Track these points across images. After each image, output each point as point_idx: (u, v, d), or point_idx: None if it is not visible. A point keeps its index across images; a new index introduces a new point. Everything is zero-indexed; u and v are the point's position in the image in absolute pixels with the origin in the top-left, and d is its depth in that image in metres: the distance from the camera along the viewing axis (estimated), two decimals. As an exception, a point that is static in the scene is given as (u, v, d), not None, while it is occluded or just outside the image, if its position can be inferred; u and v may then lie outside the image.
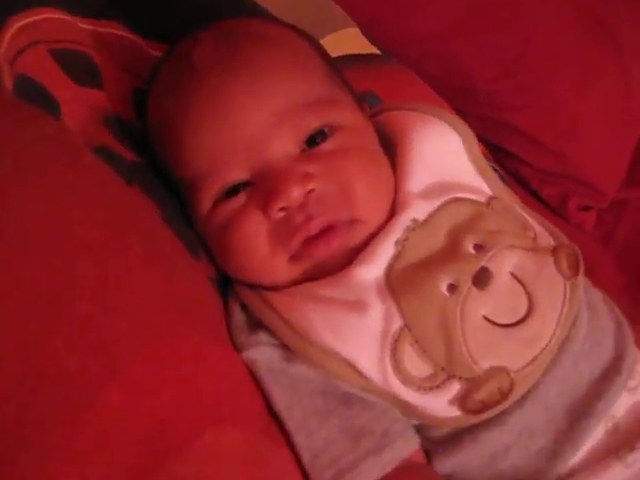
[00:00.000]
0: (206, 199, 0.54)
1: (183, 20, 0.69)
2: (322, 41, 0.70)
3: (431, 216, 0.54)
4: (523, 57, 1.09)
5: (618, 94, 1.17)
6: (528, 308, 0.51)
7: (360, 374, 0.50)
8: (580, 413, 0.52)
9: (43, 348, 0.40)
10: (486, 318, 0.50)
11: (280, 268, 0.53)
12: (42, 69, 0.54)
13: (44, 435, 0.37)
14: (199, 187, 0.54)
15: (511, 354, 0.50)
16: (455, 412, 0.50)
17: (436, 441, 0.52)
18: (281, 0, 0.80)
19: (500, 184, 0.61)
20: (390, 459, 0.48)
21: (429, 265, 0.51)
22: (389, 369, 0.49)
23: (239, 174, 0.53)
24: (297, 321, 0.51)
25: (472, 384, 0.49)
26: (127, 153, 0.55)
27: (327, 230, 0.52)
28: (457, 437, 0.51)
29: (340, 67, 0.62)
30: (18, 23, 0.55)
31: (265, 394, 0.50)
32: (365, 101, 0.62)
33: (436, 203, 0.54)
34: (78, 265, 0.44)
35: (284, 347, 0.51)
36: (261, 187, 0.52)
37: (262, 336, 0.52)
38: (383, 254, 0.52)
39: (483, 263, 0.51)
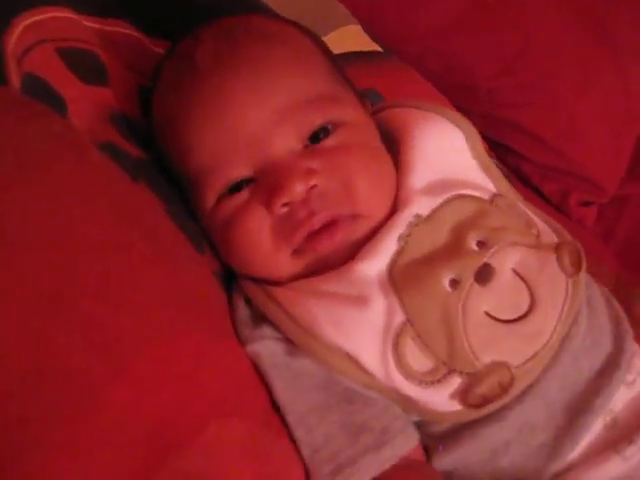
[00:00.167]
0: (209, 195, 0.54)
1: (187, 18, 0.68)
2: (324, 38, 0.70)
3: (434, 212, 0.54)
4: (524, 55, 1.10)
5: (617, 91, 1.18)
6: (530, 304, 0.51)
7: (362, 369, 0.50)
8: (579, 409, 0.52)
9: (46, 346, 0.40)
10: (488, 314, 0.50)
11: (283, 263, 0.53)
12: (49, 68, 0.54)
13: (47, 433, 0.37)
14: (202, 184, 0.54)
15: (512, 349, 0.50)
16: (456, 406, 0.50)
17: (436, 437, 0.53)
18: None
19: (504, 181, 0.61)
20: (389, 456, 0.48)
21: (432, 261, 0.52)
22: (391, 363, 0.49)
23: (242, 171, 0.53)
24: (301, 316, 0.51)
25: (473, 378, 0.49)
26: (133, 150, 0.56)
27: (330, 225, 0.52)
28: (457, 433, 0.52)
29: (342, 64, 0.62)
30: (25, 22, 0.55)
31: (268, 388, 0.50)
32: (367, 98, 0.62)
33: (439, 199, 0.54)
34: (81, 263, 0.44)
35: (288, 341, 0.52)
36: (264, 183, 0.52)
37: (266, 330, 0.52)
38: (386, 249, 0.52)
39: (485, 259, 0.51)
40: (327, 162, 0.52)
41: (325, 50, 0.61)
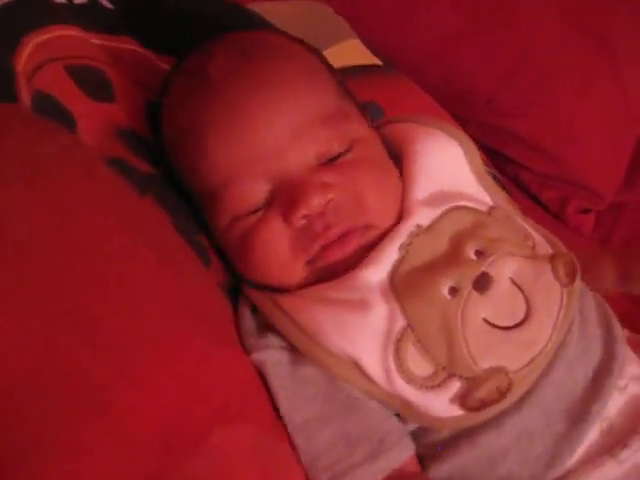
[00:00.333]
0: (225, 212, 0.55)
1: (192, 34, 0.70)
2: (325, 52, 0.71)
3: (434, 222, 0.55)
4: (522, 64, 1.11)
5: (614, 99, 1.18)
6: (526, 312, 0.52)
7: (365, 376, 0.51)
8: (577, 416, 0.52)
9: (46, 346, 0.41)
10: (486, 320, 0.52)
11: (298, 272, 0.54)
12: (58, 85, 0.55)
13: (48, 433, 0.38)
14: (217, 200, 0.55)
15: (509, 355, 0.51)
16: (455, 412, 0.51)
17: (434, 445, 0.53)
18: (285, 12, 0.82)
19: (501, 193, 0.63)
20: (383, 467, 0.49)
21: (432, 269, 0.53)
22: (393, 368, 0.50)
23: (258, 185, 0.54)
24: (306, 323, 0.52)
25: (472, 383, 0.50)
26: (140, 164, 0.57)
27: (343, 236, 0.53)
28: (455, 441, 0.52)
29: (343, 78, 0.63)
30: (35, 40, 0.56)
31: (271, 396, 0.51)
32: (367, 111, 0.64)
33: (439, 210, 0.55)
34: (92, 272, 0.45)
35: (292, 350, 0.53)
36: (281, 197, 0.53)
37: (271, 339, 0.53)
38: (388, 258, 0.53)
39: (484, 268, 0.52)
40: (341, 176, 0.54)
41: (329, 66, 0.62)
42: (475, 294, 0.52)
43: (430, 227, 0.55)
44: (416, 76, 0.97)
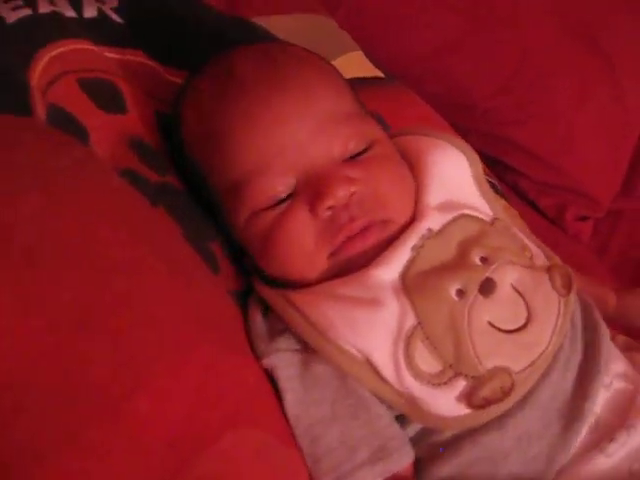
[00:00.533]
0: (247, 206, 0.57)
1: (199, 48, 0.71)
2: (330, 64, 0.73)
3: (444, 227, 0.57)
4: (520, 73, 1.12)
5: (612, 107, 1.19)
6: (527, 317, 0.54)
7: (375, 373, 0.52)
8: (570, 416, 0.54)
9: (74, 358, 0.42)
10: (490, 323, 0.53)
11: (320, 264, 0.55)
12: (71, 99, 0.56)
13: (66, 438, 0.39)
14: (240, 194, 0.56)
15: (513, 356, 0.53)
16: (460, 411, 0.52)
17: (438, 446, 0.54)
18: (289, 26, 0.83)
19: (501, 203, 0.65)
20: (382, 471, 0.50)
21: (441, 271, 0.54)
22: (402, 363, 0.52)
23: (286, 177, 0.55)
24: (317, 319, 0.53)
25: (477, 382, 0.52)
26: (151, 175, 0.58)
27: (364, 229, 0.55)
28: (458, 442, 0.53)
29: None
30: (49, 54, 0.58)
31: (280, 400, 0.52)
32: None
33: (449, 216, 0.57)
34: (105, 280, 0.46)
35: (303, 352, 0.54)
36: (308, 189, 0.55)
37: (281, 343, 0.54)
38: (400, 258, 0.54)
39: (488, 274, 0.54)
40: (363, 172, 0.56)
41: (342, 75, 0.64)
42: (480, 297, 0.53)
43: (440, 232, 0.56)
44: (417, 86, 0.99)
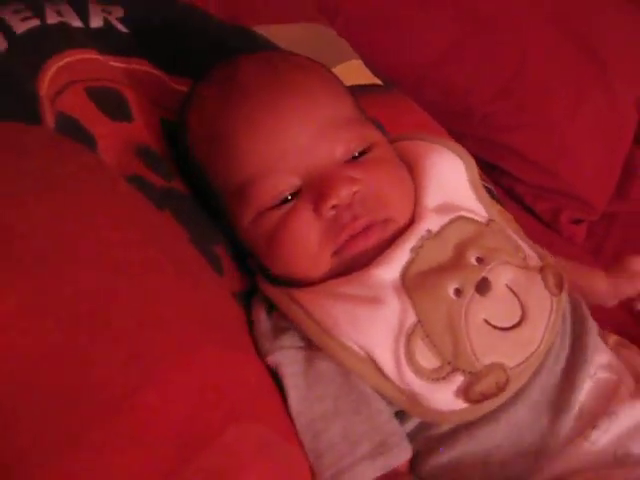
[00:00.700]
0: (252, 207, 0.58)
1: (202, 56, 0.72)
2: (329, 72, 0.74)
3: (442, 229, 0.58)
4: (517, 79, 1.13)
5: (605, 112, 1.20)
6: (521, 316, 0.56)
7: (377, 369, 0.53)
8: (558, 407, 0.56)
9: (84, 357, 0.43)
10: (486, 321, 0.55)
11: (324, 262, 0.57)
12: (79, 107, 0.58)
13: (82, 437, 0.41)
14: (245, 196, 0.58)
15: (508, 353, 0.54)
16: (457, 405, 0.53)
17: (435, 439, 0.56)
18: (289, 34, 0.84)
19: (496, 206, 0.66)
20: (382, 466, 0.52)
21: (439, 271, 0.56)
22: (403, 360, 0.53)
23: (290, 178, 0.57)
24: (321, 317, 0.54)
25: (474, 377, 0.53)
26: (157, 180, 0.59)
27: (366, 229, 0.56)
28: (455, 434, 0.55)
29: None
30: (57, 64, 0.59)
31: (284, 396, 0.53)
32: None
33: (446, 218, 0.59)
34: (114, 282, 0.47)
35: (307, 349, 0.55)
36: (312, 189, 0.56)
37: (286, 340, 0.55)
38: (400, 258, 0.56)
39: (484, 274, 0.56)
40: (364, 173, 0.57)
41: (342, 82, 0.66)
42: (477, 296, 0.55)
43: (439, 233, 0.58)
44: (415, 93, 1.00)
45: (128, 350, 0.45)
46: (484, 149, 1.11)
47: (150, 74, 0.70)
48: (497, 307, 0.55)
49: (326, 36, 0.93)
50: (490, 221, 0.61)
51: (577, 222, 1.16)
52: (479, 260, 0.57)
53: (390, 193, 0.58)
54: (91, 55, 0.63)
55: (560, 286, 0.59)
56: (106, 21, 0.69)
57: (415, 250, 0.56)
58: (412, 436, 0.55)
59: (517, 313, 0.56)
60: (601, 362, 0.59)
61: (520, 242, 0.62)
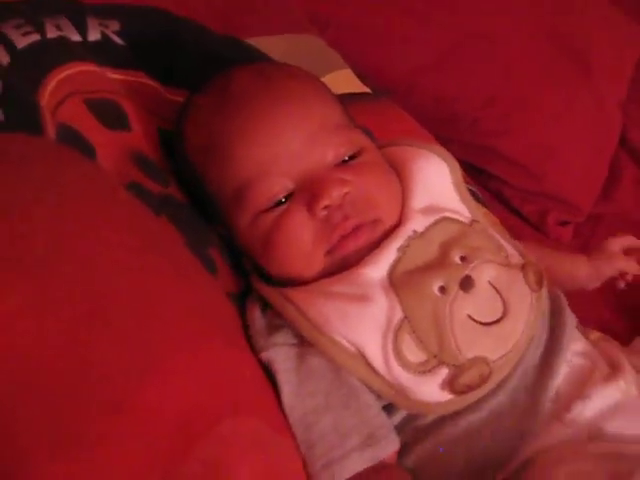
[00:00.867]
0: (248, 209, 0.60)
1: (196, 67, 0.75)
2: (320, 81, 0.76)
3: (427, 229, 0.60)
4: (502, 88, 1.15)
5: (591, 116, 1.22)
6: (503, 311, 0.58)
7: (367, 364, 0.56)
8: (537, 392, 0.58)
9: (88, 353, 0.45)
10: (470, 317, 0.57)
11: (317, 261, 0.59)
12: (79, 118, 0.60)
13: (90, 429, 0.42)
14: (241, 199, 0.60)
15: (490, 347, 0.57)
16: (443, 397, 0.56)
17: (422, 429, 0.58)
18: (281, 45, 0.86)
19: (480, 209, 0.68)
20: (371, 457, 0.54)
21: (425, 269, 0.58)
22: (391, 354, 0.55)
23: (284, 182, 0.59)
24: (313, 314, 0.57)
25: (458, 370, 0.56)
26: (154, 187, 0.61)
27: (356, 229, 0.59)
28: (440, 424, 0.58)
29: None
30: (57, 76, 0.61)
31: (277, 390, 0.55)
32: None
33: (432, 219, 0.61)
34: (116, 283, 0.50)
35: (299, 345, 0.57)
36: (305, 191, 0.59)
37: (279, 338, 0.58)
38: (387, 257, 0.58)
39: (467, 272, 0.58)
40: (355, 176, 0.60)
41: (331, 91, 0.68)
42: (461, 293, 0.57)
43: (424, 233, 0.60)
44: (404, 101, 1.02)
45: (127, 348, 0.47)
46: (472, 154, 1.13)
47: (146, 85, 0.72)
48: (480, 303, 0.58)
49: (316, 46, 0.94)
50: (473, 221, 0.64)
51: (564, 224, 1.17)
52: (463, 259, 0.59)
53: (379, 195, 0.60)
54: (90, 67, 0.65)
55: (540, 283, 0.61)
56: (103, 35, 0.71)
57: (402, 249, 0.59)
58: (399, 428, 0.57)
59: (499, 309, 0.58)
60: (577, 349, 0.61)
61: (502, 241, 0.64)
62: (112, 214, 0.55)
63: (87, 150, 0.58)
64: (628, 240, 0.77)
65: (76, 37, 0.68)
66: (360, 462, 0.53)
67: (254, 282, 0.62)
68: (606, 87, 1.28)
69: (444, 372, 0.56)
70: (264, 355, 0.57)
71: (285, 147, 0.59)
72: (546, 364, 0.59)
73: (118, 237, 0.53)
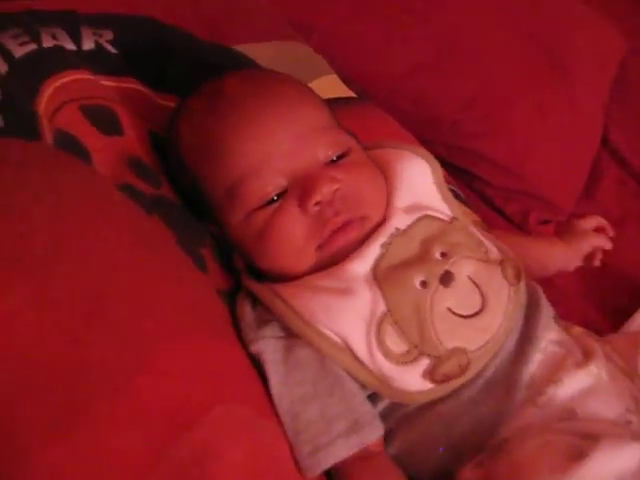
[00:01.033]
0: (241, 207, 0.62)
1: (186, 73, 0.78)
2: (307, 86, 0.79)
3: (409, 227, 0.63)
4: (482, 91, 1.17)
5: (570, 117, 1.23)
6: (482, 304, 0.61)
7: (351, 354, 0.58)
8: (512, 379, 0.61)
9: (85, 344, 0.48)
10: (449, 309, 0.60)
11: (309, 256, 0.62)
12: (75, 124, 0.62)
13: (88, 412, 0.45)
14: (234, 197, 0.62)
15: (469, 338, 0.59)
16: (424, 385, 0.58)
17: (404, 417, 0.61)
18: (268, 52, 0.88)
19: (462, 208, 0.72)
20: (356, 443, 0.56)
21: (407, 265, 0.61)
22: (374, 344, 0.58)
23: (276, 179, 0.61)
24: (300, 308, 0.59)
25: (438, 360, 0.58)
26: (146, 188, 0.63)
27: (345, 225, 0.61)
28: (422, 412, 0.60)
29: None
30: (54, 85, 0.63)
31: (265, 380, 0.58)
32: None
33: (413, 217, 0.64)
34: (112, 279, 0.52)
35: (287, 338, 0.60)
36: (297, 188, 0.61)
37: (268, 331, 0.60)
38: (371, 253, 0.61)
39: (447, 267, 0.61)
40: (344, 174, 0.62)
41: (318, 95, 0.71)
42: (441, 287, 0.60)
43: (406, 231, 0.63)
44: (387, 104, 1.05)
45: (123, 337, 0.49)
46: (454, 155, 1.14)
47: (138, 91, 0.75)
48: (459, 297, 0.61)
49: (303, 53, 0.97)
50: (454, 219, 0.67)
51: (545, 222, 1.18)
52: (443, 255, 0.62)
53: (367, 193, 0.63)
54: (84, 75, 0.68)
55: (518, 277, 0.64)
56: (97, 43, 0.74)
57: (385, 246, 0.61)
58: (383, 416, 0.60)
59: (478, 302, 0.61)
60: (552, 338, 0.64)
61: (482, 238, 0.67)
62: (110, 214, 0.57)
63: (83, 155, 0.61)
64: (595, 219, 0.81)
65: (71, 46, 0.71)
66: (346, 448, 0.56)
67: (244, 279, 0.65)
68: (586, 88, 1.28)
69: (425, 362, 0.58)
70: (254, 347, 0.59)
71: (277, 147, 0.61)
72: (521, 353, 0.62)
73: (116, 236, 0.55)
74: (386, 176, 0.67)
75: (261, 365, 0.58)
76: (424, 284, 0.60)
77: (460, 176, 1.15)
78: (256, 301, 0.63)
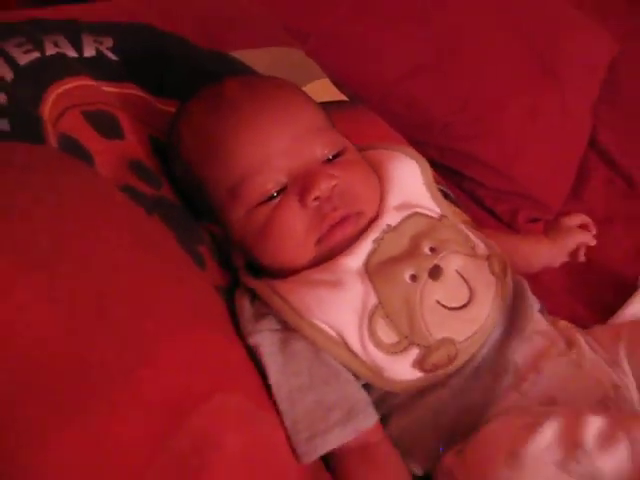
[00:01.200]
0: (242, 203, 0.64)
1: (185, 80, 0.80)
2: (300, 90, 0.81)
3: (400, 224, 0.66)
4: (473, 94, 1.19)
5: (559, 120, 1.25)
6: (469, 297, 0.63)
7: (344, 346, 0.60)
8: (499, 369, 0.63)
9: (87, 341, 0.49)
10: (438, 302, 0.62)
11: (308, 250, 0.64)
12: (77, 128, 0.64)
13: (91, 403, 0.46)
14: (235, 194, 0.64)
15: (457, 329, 0.62)
16: (413, 375, 0.61)
17: (395, 405, 0.63)
18: (262, 58, 0.90)
19: (451, 207, 0.74)
20: (352, 430, 0.59)
21: (397, 260, 0.63)
22: (366, 335, 0.60)
23: (276, 176, 0.64)
24: (296, 303, 0.61)
25: (427, 350, 0.61)
26: (147, 189, 0.65)
27: (342, 220, 0.64)
28: (412, 400, 0.62)
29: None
30: (57, 91, 0.65)
31: (263, 371, 0.60)
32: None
33: (404, 214, 0.66)
34: (113, 277, 0.54)
35: (283, 331, 0.62)
36: (296, 185, 0.63)
37: (265, 324, 0.62)
38: (364, 249, 0.63)
39: (436, 261, 0.63)
40: (341, 171, 0.65)
41: (312, 98, 0.73)
42: (430, 281, 0.62)
43: (397, 227, 0.65)
44: (380, 107, 1.07)
45: (125, 334, 0.51)
46: (446, 157, 1.16)
47: (138, 97, 0.77)
48: (448, 290, 0.63)
49: (297, 58, 0.98)
50: (442, 216, 0.69)
51: (534, 221, 1.20)
52: (432, 250, 0.64)
53: (362, 190, 0.66)
54: (86, 82, 0.70)
55: (505, 271, 0.67)
56: (98, 51, 0.76)
57: (377, 241, 0.64)
58: (376, 405, 0.62)
59: (466, 295, 0.63)
60: (536, 329, 0.67)
61: (470, 234, 0.70)
62: (110, 215, 0.59)
63: (86, 158, 0.63)
64: (580, 217, 0.84)
65: (72, 53, 0.72)
66: (342, 435, 0.58)
67: (243, 276, 0.67)
68: (576, 91, 1.30)
69: (415, 352, 0.61)
70: (252, 339, 0.61)
71: (276, 146, 0.64)
72: (507, 343, 0.64)
73: (116, 236, 0.57)
74: (378, 176, 0.70)
75: (259, 357, 0.60)
76: (414, 278, 0.62)
77: (451, 177, 1.17)
78: (254, 296, 0.65)
